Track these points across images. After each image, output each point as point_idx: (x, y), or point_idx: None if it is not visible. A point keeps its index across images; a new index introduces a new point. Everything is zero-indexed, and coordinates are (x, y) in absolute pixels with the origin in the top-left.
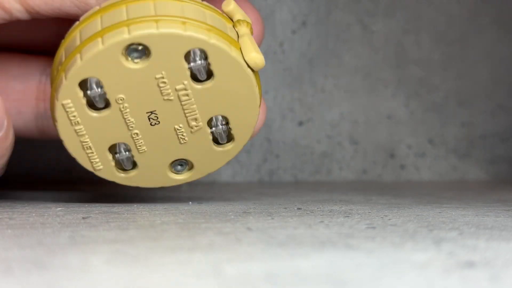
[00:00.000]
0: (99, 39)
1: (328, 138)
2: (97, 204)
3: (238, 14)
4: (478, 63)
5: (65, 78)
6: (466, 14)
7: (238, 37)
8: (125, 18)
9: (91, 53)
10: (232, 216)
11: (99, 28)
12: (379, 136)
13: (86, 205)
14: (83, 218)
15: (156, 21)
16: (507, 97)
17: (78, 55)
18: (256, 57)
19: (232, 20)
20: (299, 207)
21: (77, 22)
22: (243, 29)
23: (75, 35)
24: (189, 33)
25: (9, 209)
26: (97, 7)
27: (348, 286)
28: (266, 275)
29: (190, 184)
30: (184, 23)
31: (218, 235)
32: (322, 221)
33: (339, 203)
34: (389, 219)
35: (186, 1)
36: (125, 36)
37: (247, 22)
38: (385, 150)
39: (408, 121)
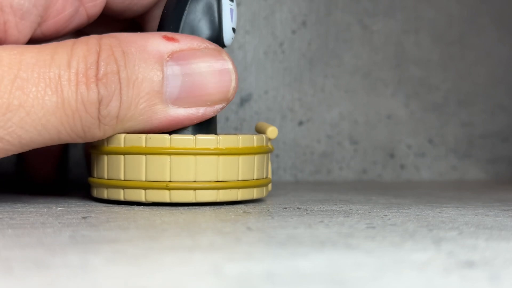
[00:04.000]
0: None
1: (328, 138)
2: (97, 204)
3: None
4: (478, 63)
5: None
6: (466, 14)
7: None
8: (168, 179)
9: None
10: (232, 216)
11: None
12: (379, 136)
13: (86, 204)
14: (83, 217)
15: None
16: (507, 97)
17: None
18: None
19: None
20: (299, 207)
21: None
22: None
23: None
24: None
25: (9, 208)
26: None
27: (348, 285)
28: (266, 275)
29: None
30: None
31: (218, 235)
32: (322, 221)
33: (339, 203)
34: (389, 219)
35: (222, 155)
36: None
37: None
38: (385, 150)
39: (408, 121)
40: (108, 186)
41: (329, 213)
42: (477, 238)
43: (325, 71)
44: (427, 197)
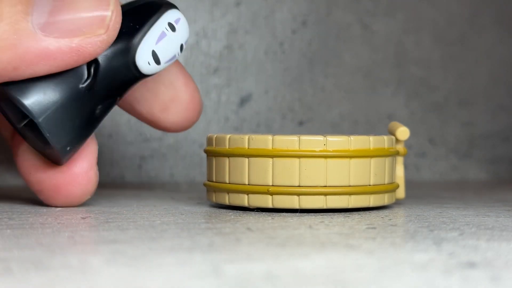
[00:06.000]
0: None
1: None
2: (96, 204)
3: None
4: (478, 63)
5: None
6: (466, 14)
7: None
8: (270, 183)
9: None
10: (232, 216)
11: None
12: None
13: (86, 205)
14: (83, 218)
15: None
16: (507, 97)
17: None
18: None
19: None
20: None
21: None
22: (399, 159)
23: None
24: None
25: (8, 209)
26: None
27: (348, 286)
28: (266, 275)
29: (190, 185)
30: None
31: (218, 235)
32: (322, 221)
33: None
34: (390, 219)
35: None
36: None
37: (403, 149)
38: None
39: (408, 121)
40: (216, 190)
41: (329, 213)
42: (478, 239)
43: (325, 71)
44: (427, 197)
